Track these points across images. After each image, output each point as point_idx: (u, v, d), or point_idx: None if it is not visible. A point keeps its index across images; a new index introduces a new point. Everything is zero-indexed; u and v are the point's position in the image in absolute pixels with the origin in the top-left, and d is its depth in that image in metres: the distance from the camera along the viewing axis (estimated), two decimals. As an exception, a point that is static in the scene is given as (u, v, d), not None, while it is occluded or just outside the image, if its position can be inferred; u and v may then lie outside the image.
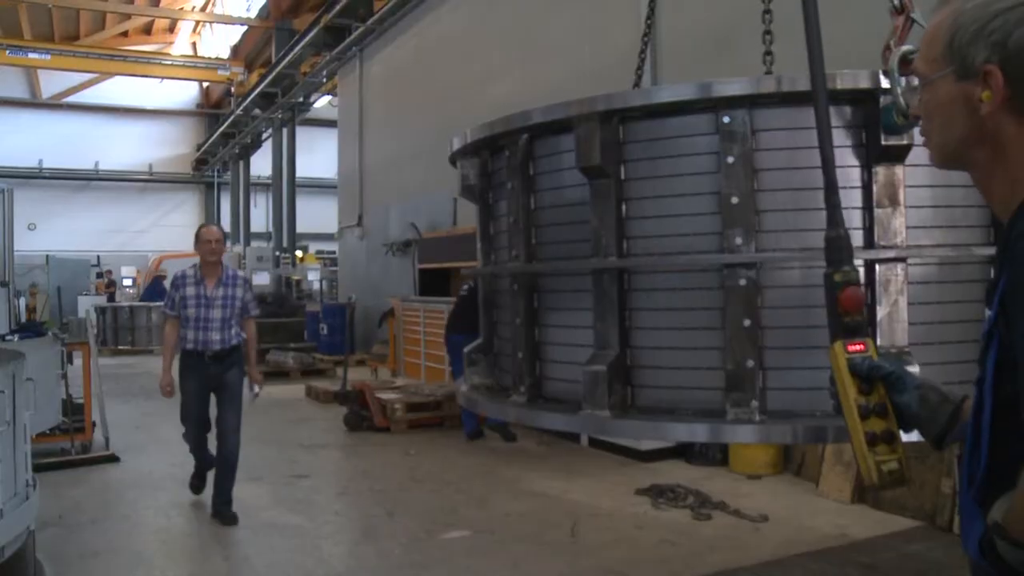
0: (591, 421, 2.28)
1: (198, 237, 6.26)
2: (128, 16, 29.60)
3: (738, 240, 2.18)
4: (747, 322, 2.15)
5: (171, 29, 33.04)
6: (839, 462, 6.58)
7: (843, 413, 1.60)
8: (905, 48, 2.11)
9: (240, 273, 6.59)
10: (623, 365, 2.31)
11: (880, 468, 1.56)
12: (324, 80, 21.10)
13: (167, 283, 8.20)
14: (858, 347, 1.62)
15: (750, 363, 2.14)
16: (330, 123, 22.78)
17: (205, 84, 32.98)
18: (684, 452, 7.82)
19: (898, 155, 2.14)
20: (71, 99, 32.09)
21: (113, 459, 8.22)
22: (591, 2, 10.15)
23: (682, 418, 2.23)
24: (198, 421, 6.39)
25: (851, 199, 2.18)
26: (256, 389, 6.57)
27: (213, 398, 6.28)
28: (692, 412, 2.24)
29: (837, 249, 1.73)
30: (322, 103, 24.38)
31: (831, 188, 1.79)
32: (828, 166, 1.80)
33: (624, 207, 2.37)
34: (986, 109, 1.28)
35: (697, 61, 8.15)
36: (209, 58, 30.40)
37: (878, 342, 2.11)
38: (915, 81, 2.11)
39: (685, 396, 2.27)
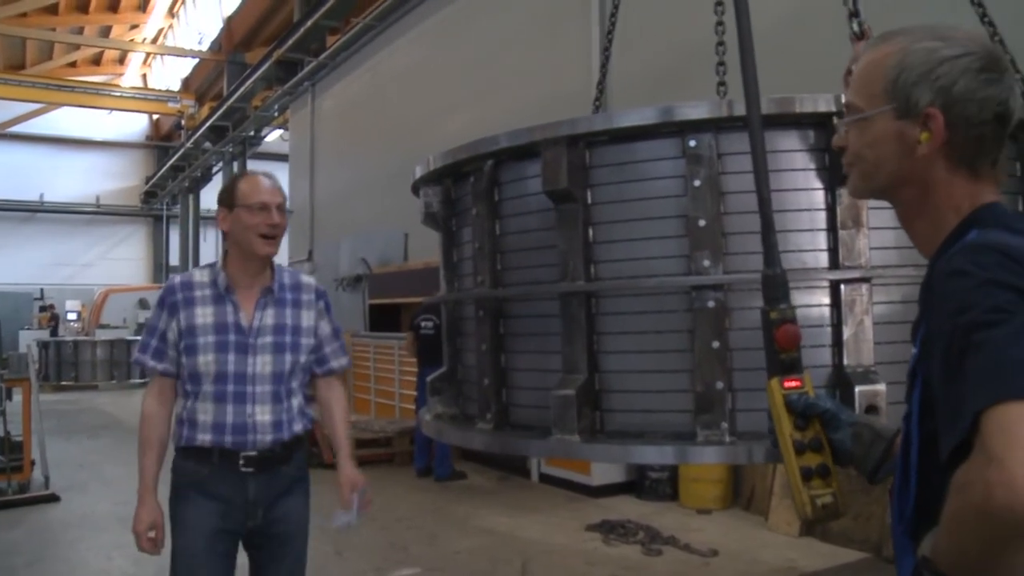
0: (561, 446, 2.25)
1: (235, 195, 2.92)
2: (77, 46, 29.25)
3: (706, 262, 2.18)
4: (716, 344, 2.15)
5: (121, 60, 32.72)
6: (787, 496, 6.62)
7: (779, 448, 1.64)
8: (867, 74, 2.15)
9: (309, 279, 3.14)
10: (592, 389, 2.30)
11: (814, 502, 1.60)
12: (276, 114, 21.00)
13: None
14: (794, 383, 1.67)
15: (719, 385, 2.14)
16: (281, 157, 22.63)
17: (155, 116, 32.62)
18: (634, 487, 7.84)
19: (861, 179, 2.16)
20: (16, 129, 31.44)
21: (53, 499, 7.94)
22: (544, 39, 10.27)
23: (652, 441, 2.22)
24: None
25: (815, 221, 2.21)
26: (352, 516, 3.12)
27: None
28: (662, 435, 2.23)
29: (773, 287, 1.77)
30: (273, 137, 24.23)
31: (768, 227, 1.84)
32: (764, 206, 1.85)
33: (591, 231, 2.36)
34: (923, 150, 1.32)
35: (653, 99, 8.28)
36: (159, 90, 30.14)
37: (844, 361, 2.13)
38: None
39: (655, 419, 2.26)
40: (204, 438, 2.86)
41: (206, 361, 2.85)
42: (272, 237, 2.90)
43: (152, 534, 2.93)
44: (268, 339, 2.92)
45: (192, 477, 2.90)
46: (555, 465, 8.23)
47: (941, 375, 1.20)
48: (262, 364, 2.89)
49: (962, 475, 1.10)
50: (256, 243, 2.88)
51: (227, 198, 2.94)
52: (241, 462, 2.85)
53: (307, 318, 3.03)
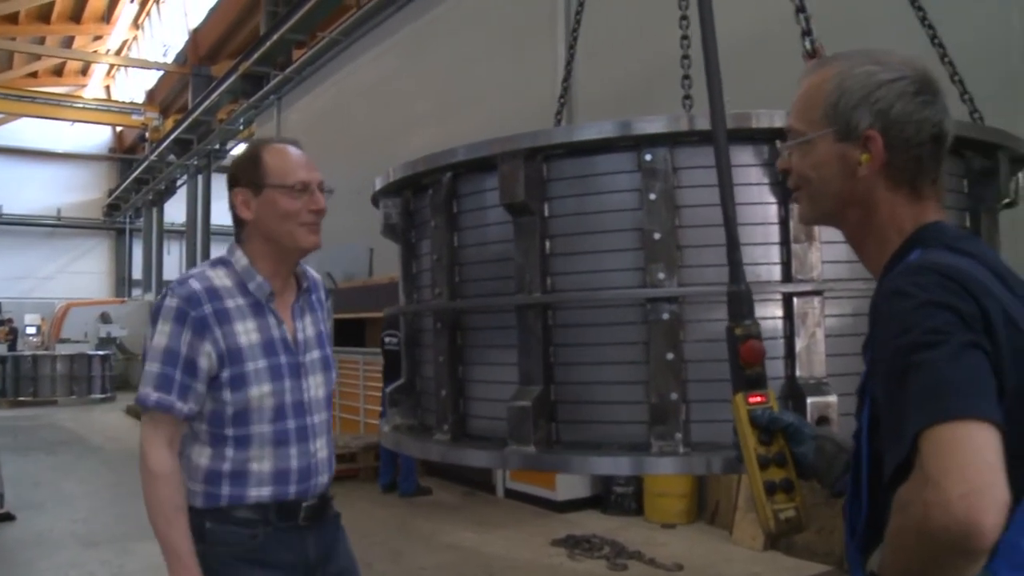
0: (517, 457, 2.25)
1: (262, 171, 2.23)
2: (38, 57, 28.87)
3: (661, 275, 2.20)
4: (670, 356, 2.17)
5: (84, 72, 32.34)
6: (752, 510, 6.67)
7: (744, 462, 1.66)
8: (818, 90, 2.19)
9: (314, 273, 2.51)
10: (548, 401, 2.30)
11: (778, 516, 1.62)
12: (241, 127, 20.86)
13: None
14: (758, 399, 1.68)
15: (674, 396, 2.15)
16: (247, 170, 22.47)
17: (118, 128, 32.22)
18: (600, 502, 7.85)
19: (813, 193, 2.20)
20: (-26, 140, 30.99)
21: (8, 517, 7.78)
22: (510, 56, 10.32)
23: (607, 452, 2.23)
24: None
25: (769, 235, 2.24)
26: None
27: None
28: (618, 446, 2.24)
29: (738, 304, 1.79)
30: (239, 150, 24.09)
31: (733, 245, 1.86)
32: (730, 225, 1.87)
33: (548, 244, 2.38)
34: (863, 172, 1.36)
35: (620, 115, 8.33)
36: (123, 102, 29.78)
37: (797, 373, 2.16)
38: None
39: (610, 431, 2.27)
40: (260, 493, 2.18)
41: (261, 394, 2.16)
42: (317, 225, 2.26)
43: None
44: (316, 354, 2.31)
45: (241, 547, 2.18)
46: (520, 480, 8.21)
47: (884, 395, 1.23)
48: (315, 387, 2.29)
49: (903, 494, 1.13)
50: (299, 234, 2.22)
51: (250, 175, 2.23)
52: (302, 515, 2.24)
53: (327, 321, 2.44)
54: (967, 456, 1.06)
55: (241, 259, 2.25)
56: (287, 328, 2.26)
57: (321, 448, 2.28)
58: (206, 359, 2.14)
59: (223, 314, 2.17)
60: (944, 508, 1.04)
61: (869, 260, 1.46)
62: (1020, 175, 3.02)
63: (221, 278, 2.23)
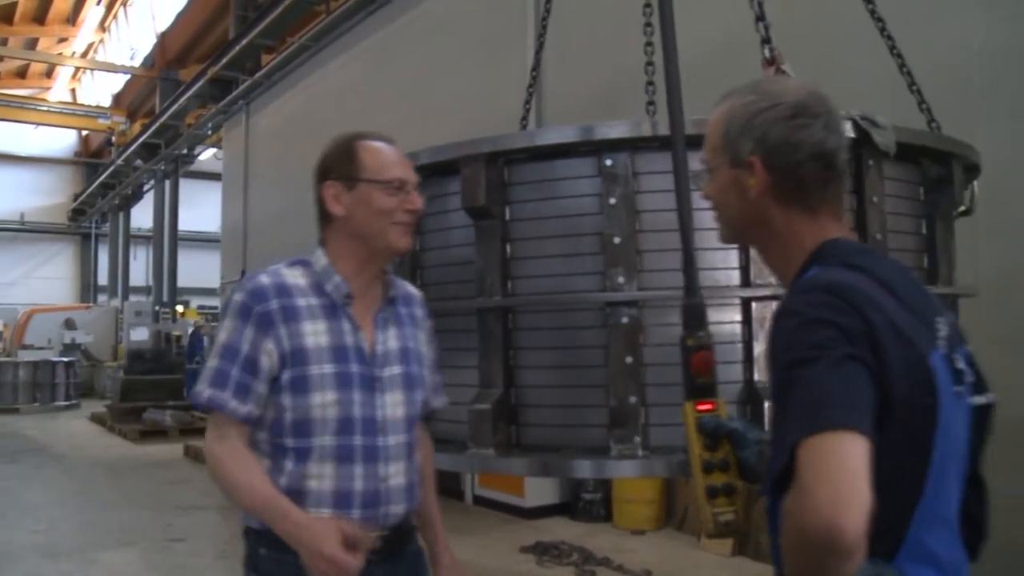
0: (476, 460, 2.26)
1: (357, 165, 2.08)
2: (0, 58, 28.47)
3: (620, 279, 2.22)
4: (629, 359, 2.18)
5: (48, 74, 31.91)
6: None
7: (691, 467, 1.75)
8: (775, 97, 2.23)
9: (412, 288, 2.30)
10: (508, 404, 2.31)
11: (717, 519, 1.72)
12: (209, 132, 20.68)
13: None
14: (707, 406, 1.78)
15: (633, 399, 2.17)
16: (214, 176, 22.31)
17: (84, 132, 31.83)
18: (568, 509, 7.84)
19: (770, 198, 2.23)
20: (-65, 143, 30.45)
21: (-34, 527, 7.64)
22: (482, 64, 10.33)
23: (566, 455, 2.24)
24: None
25: (727, 240, 2.26)
26: None
27: None
28: (577, 449, 2.25)
29: (692, 316, 1.88)
30: (207, 155, 23.88)
31: (689, 260, 1.95)
32: (687, 238, 1.97)
33: (509, 247, 2.39)
34: (753, 194, 1.47)
35: (587, 121, 8.36)
36: (89, 106, 29.41)
37: (755, 376, 2.19)
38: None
39: (570, 434, 2.28)
40: (319, 514, 1.92)
41: (324, 402, 1.96)
42: (410, 226, 2.08)
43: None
44: (396, 370, 2.07)
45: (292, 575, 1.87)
46: (489, 487, 8.20)
47: (773, 408, 1.33)
48: (392, 405, 2.04)
49: (787, 502, 1.21)
50: (392, 233, 2.03)
51: (344, 169, 2.08)
52: (376, 548, 1.95)
53: (423, 341, 2.18)
54: (834, 465, 1.14)
55: (321, 259, 2.07)
56: (364, 336, 2.03)
57: (396, 474, 2.02)
58: (267, 358, 1.95)
59: (291, 311, 1.98)
60: (814, 512, 1.12)
61: (779, 276, 1.55)
62: (975, 184, 3.08)
63: (295, 277, 2.06)
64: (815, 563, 1.16)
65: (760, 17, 2.58)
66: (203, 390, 1.96)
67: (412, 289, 2.26)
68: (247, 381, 1.95)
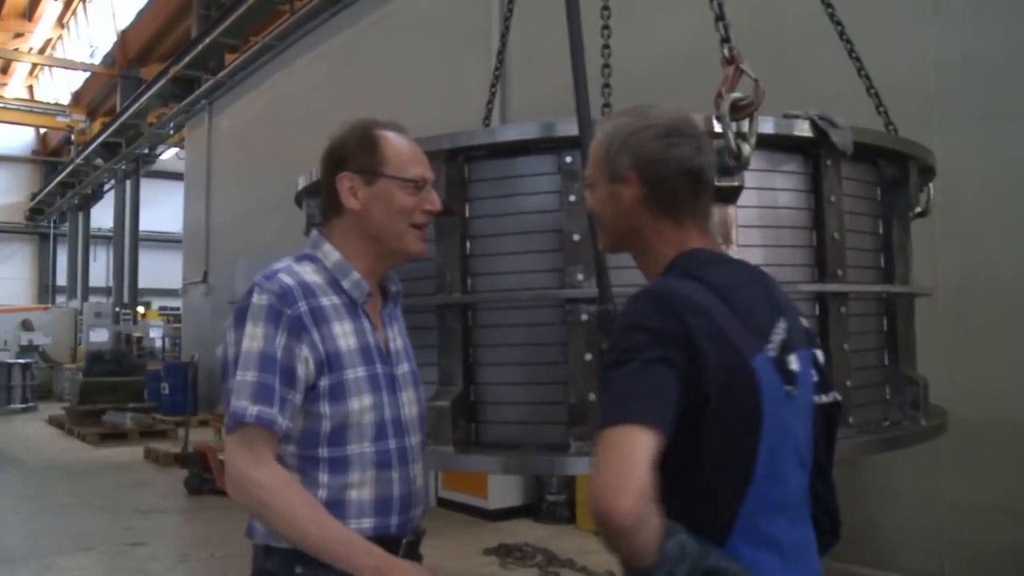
0: (434, 457, 2.24)
1: (380, 157, 1.91)
2: (-46, 55, 27.94)
3: (579, 276, 2.22)
4: (588, 356, 2.18)
5: (4, 70, 31.33)
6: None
7: None
8: (735, 95, 2.26)
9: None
10: (467, 401, 2.30)
11: None
12: (171, 132, 20.44)
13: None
14: None
15: (592, 397, 2.17)
16: (176, 176, 22.05)
17: (42, 130, 31.30)
18: (532, 511, 7.84)
19: (730, 196, 2.25)
20: None
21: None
22: (447, 66, 10.31)
23: (525, 452, 2.23)
24: None
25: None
26: None
27: None
28: (536, 446, 2.25)
29: (607, 321, 1.98)
30: (169, 155, 23.60)
31: (602, 272, 2.09)
32: (600, 262, 2.11)
33: (469, 244, 2.38)
34: (628, 206, 1.59)
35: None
36: (47, 103, 28.90)
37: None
38: (745, 125, 2.27)
39: (529, 431, 2.28)
40: (361, 526, 1.83)
41: (361, 408, 1.84)
42: (425, 228, 1.99)
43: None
44: (406, 368, 1.99)
45: None
46: (453, 489, 8.17)
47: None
48: (408, 404, 1.95)
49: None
50: (409, 236, 1.93)
51: (363, 161, 1.91)
52: (400, 554, 1.87)
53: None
54: (615, 454, 1.28)
55: (331, 253, 1.91)
56: (380, 335, 1.94)
57: (419, 474, 1.94)
58: (303, 366, 1.79)
59: (320, 313, 1.83)
60: (592, 494, 1.27)
61: (649, 281, 1.63)
62: (931, 187, 3.13)
63: (309, 274, 1.88)
64: (604, 537, 1.30)
65: (720, 17, 2.59)
66: (246, 407, 1.74)
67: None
68: (286, 394, 1.77)
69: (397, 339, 1.98)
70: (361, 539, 1.77)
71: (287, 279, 1.83)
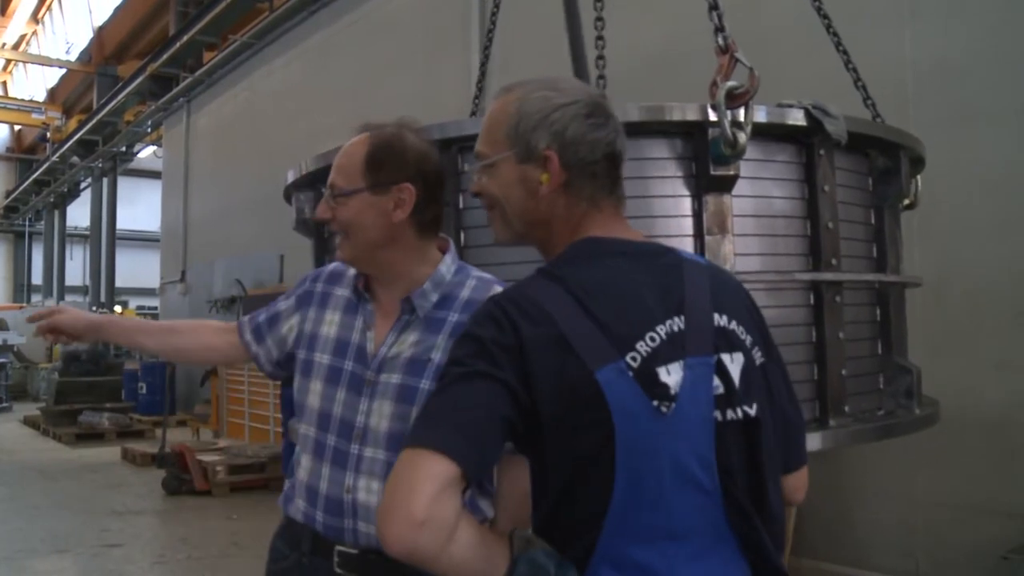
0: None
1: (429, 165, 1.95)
2: (-74, 50, 27.57)
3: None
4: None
5: (-23, 67, 30.99)
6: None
7: None
8: (730, 84, 2.25)
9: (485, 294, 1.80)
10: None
11: None
12: (149, 130, 20.27)
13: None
14: None
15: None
16: (154, 174, 21.88)
17: (16, 127, 30.94)
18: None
19: (726, 185, 2.23)
20: None
21: None
22: (424, 67, 10.28)
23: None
24: None
25: (683, 227, 2.26)
26: None
27: None
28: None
29: None
30: (146, 153, 23.40)
31: None
32: None
33: (463, 235, 2.35)
34: (544, 191, 1.40)
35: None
36: (22, 99, 28.60)
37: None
38: (741, 114, 2.25)
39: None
40: (298, 507, 1.90)
41: (314, 391, 1.91)
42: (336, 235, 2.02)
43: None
44: (394, 379, 1.82)
45: (278, 565, 1.95)
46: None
47: None
48: (378, 415, 1.81)
49: None
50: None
51: (423, 167, 1.92)
52: (336, 560, 1.81)
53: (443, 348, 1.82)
54: (402, 478, 1.19)
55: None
56: (372, 336, 1.88)
57: (363, 490, 1.78)
58: (291, 329, 2.03)
59: (326, 297, 1.99)
60: (379, 517, 1.20)
61: None
62: (919, 179, 3.14)
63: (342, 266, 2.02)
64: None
65: (714, 6, 2.58)
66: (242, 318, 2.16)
67: (483, 294, 1.82)
68: (262, 329, 2.08)
69: (404, 348, 1.83)
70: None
71: (330, 265, 2.08)
